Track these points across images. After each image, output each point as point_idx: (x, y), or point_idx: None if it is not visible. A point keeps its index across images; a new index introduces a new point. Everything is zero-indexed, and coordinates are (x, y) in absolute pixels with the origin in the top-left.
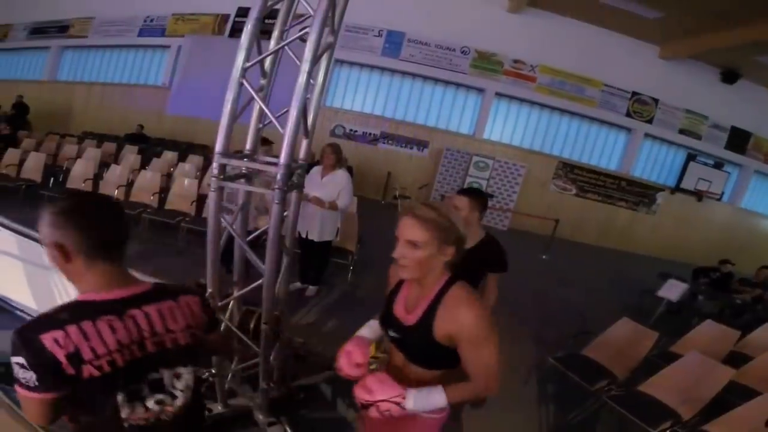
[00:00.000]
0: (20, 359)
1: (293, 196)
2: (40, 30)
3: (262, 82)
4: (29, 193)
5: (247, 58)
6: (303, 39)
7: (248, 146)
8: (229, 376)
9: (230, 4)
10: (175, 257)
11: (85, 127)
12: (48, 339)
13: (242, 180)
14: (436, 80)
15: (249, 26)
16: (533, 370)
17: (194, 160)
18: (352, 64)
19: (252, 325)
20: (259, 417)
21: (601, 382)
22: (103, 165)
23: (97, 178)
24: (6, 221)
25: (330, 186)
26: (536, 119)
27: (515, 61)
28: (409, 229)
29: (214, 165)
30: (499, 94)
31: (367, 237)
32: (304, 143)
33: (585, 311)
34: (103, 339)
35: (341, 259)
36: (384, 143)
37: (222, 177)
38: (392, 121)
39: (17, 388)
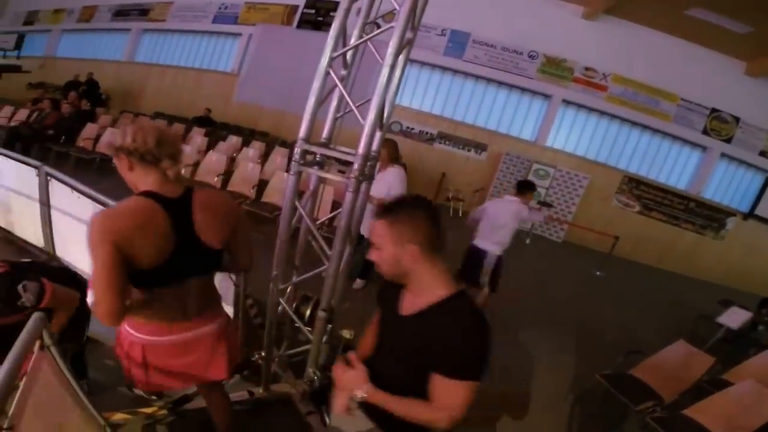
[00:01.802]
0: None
1: (363, 187)
2: (122, 12)
3: (343, 72)
4: (102, 166)
5: (334, 48)
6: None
7: (325, 135)
8: (276, 360)
9: None
10: None
11: (157, 107)
12: None
13: (315, 167)
14: (500, 83)
15: (339, 17)
16: (577, 385)
17: (257, 146)
18: (413, 61)
19: (308, 312)
20: (300, 405)
21: (647, 403)
22: None
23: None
24: (83, 188)
25: (382, 182)
26: (604, 130)
27: (587, 69)
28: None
29: (297, 150)
30: (566, 102)
31: None
32: (377, 136)
33: (637, 331)
34: None
35: None
36: (440, 143)
37: (302, 163)
38: (451, 121)
39: None
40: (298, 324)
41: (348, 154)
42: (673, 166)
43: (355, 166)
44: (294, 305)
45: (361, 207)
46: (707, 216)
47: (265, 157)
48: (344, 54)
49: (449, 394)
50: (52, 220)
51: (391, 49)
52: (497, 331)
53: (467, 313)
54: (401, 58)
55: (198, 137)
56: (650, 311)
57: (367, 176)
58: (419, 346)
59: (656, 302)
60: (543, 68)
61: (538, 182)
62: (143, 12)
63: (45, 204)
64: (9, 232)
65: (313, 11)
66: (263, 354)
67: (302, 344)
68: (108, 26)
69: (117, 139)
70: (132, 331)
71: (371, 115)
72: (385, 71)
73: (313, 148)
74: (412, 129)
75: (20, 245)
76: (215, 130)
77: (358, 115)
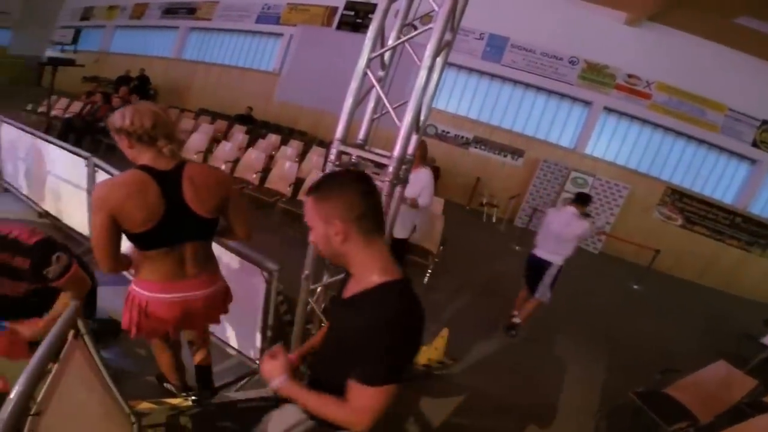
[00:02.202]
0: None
1: (397, 190)
2: (171, 10)
3: (381, 74)
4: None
5: (373, 49)
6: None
7: (361, 136)
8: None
9: None
10: (269, 234)
11: (201, 104)
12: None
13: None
14: (539, 88)
15: (377, 18)
16: (608, 400)
17: (295, 145)
18: (449, 65)
19: None
20: None
21: (680, 423)
22: (214, 141)
23: (208, 152)
24: None
25: (412, 183)
26: (646, 139)
27: (630, 76)
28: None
29: (333, 151)
30: (607, 109)
31: (450, 240)
32: (413, 139)
33: (674, 348)
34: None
35: (421, 259)
36: (476, 147)
37: (338, 164)
38: (487, 126)
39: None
40: (322, 319)
41: (383, 156)
42: (719, 179)
43: (390, 168)
44: (323, 306)
45: (395, 210)
46: (754, 232)
47: (302, 156)
48: (382, 55)
49: (360, 397)
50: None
51: (429, 51)
52: (530, 340)
53: (392, 306)
54: (439, 60)
55: (239, 135)
56: (689, 328)
57: (401, 179)
58: (341, 336)
59: (696, 319)
60: (584, 74)
61: (574, 191)
62: (191, 10)
63: (90, 194)
64: (57, 219)
65: (352, 13)
66: (291, 351)
67: None
68: (158, 24)
69: (117, 121)
70: (138, 289)
71: (408, 117)
72: (423, 73)
73: (349, 150)
74: (448, 132)
75: (67, 232)
76: (256, 128)
77: (394, 117)
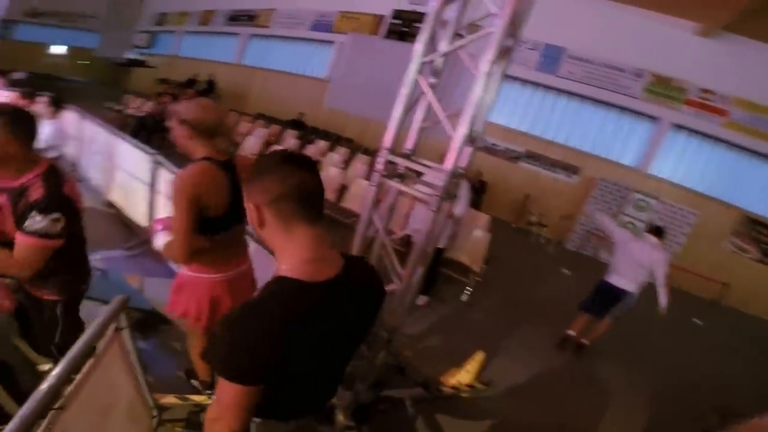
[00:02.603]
0: (56, 215)
1: (445, 206)
2: (234, 18)
3: (432, 81)
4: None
5: (425, 54)
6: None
7: (409, 146)
8: None
9: (387, 5)
10: None
11: (259, 108)
12: (64, 192)
13: (396, 179)
14: (598, 101)
15: (429, 20)
16: None
17: (341, 152)
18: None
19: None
20: (340, 418)
21: None
22: (268, 144)
23: (261, 155)
24: None
25: (463, 197)
26: (720, 160)
27: (703, 91)
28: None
29: (380, 160)
30: (676, 126)
31: (494, 259)
32: (467, 151)
33: (736, 390)
34: (74, 186)
35: (461, 276)
36: (526, 162)
37: (384, 174)
38: (540, 140)
39: (36, 240)
40: None
41: (433, 169)
42: None
43: (440, 182)
44: None
45: (441, 227)
46: None
47: (347, 163)
48: (433, 62)
49: (218, 388)
50: (155, 204)
51: (489, 56)
52: (573, 368)
53: (259, 299)
54: (498, 67)
55: (291, 139)
56: (757, 370)
57: (451, 194)
58: None
59: (765, 360)
60: (650, 88)
61: (635, 214)
62: (251, 18)
63: (153, 189)
64: (121, 210)
65: (399, 22)
66: None
67: (356, 358)
68: (222, 30)
69: (183, 112)
70: (199, 274)
71: (462, 128)
72: (481, 81)
73: (397, 160)
74: (497, 146)
75: (127, 223)
76: (306, 133)
77: (447, 127)
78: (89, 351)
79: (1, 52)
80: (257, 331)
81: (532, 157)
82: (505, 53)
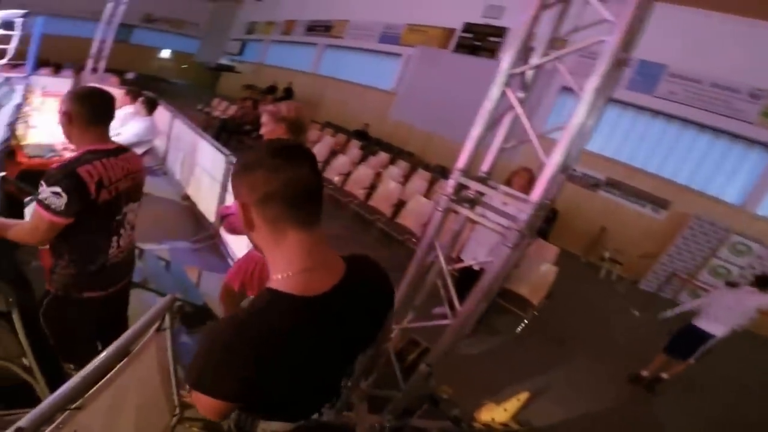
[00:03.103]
0: (57, 188)
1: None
2: (312, 28)
3: (521, 95)
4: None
5: (515, 64)
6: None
7: (485, 168)
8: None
9: (458, 18)
10: (364, 249)
11: (329, 117)
12: (82, 172)
13: (466, 204)
14: (702, 126)
15: (525, 24)
16: None
17: (402, 166)
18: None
19: (410, 359)
20: None
21: None
22: (333, 153)
23: (325, 163)
24: None
25: None
26: None
27: None
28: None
29: (450, 183)
30: None
31: (557, 295)
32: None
33: None
34: (114, 170)
35: (519, 309)
36: (607, 191)
37: (455, 198)
38: (625, 166)
39: (41, 211)
40: (396, 366)
41: (517, 198)
42: None
43: (523, 215)
44: (399, 346)
45: (516, 263)
46: None
47: (407, 178)
48: (523, 74)
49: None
50: (224, 202)
51: (599, 71)
52: (628, 413)
53: (246, 317)
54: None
55: (354, 150)
56: None
57: (533, 229)
58: None
59: None
60: None
61: (731, 258)
62: (327, 28)
63: (224, 188)
64: (194, 204)
65: (470, 35)
66: (348, 382)
67: (390, 383)
68: (301, 40)
69: (284, 111)
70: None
71: (557, 155)
72: (586, 100)
73: (471, 183)
74: (574, 171)
75: (198, 217)
76: (370, 144)
77: (539, 152)
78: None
79: (118, 54)
80: (239, 352)
81: (613, 185)
82: (617, 69)
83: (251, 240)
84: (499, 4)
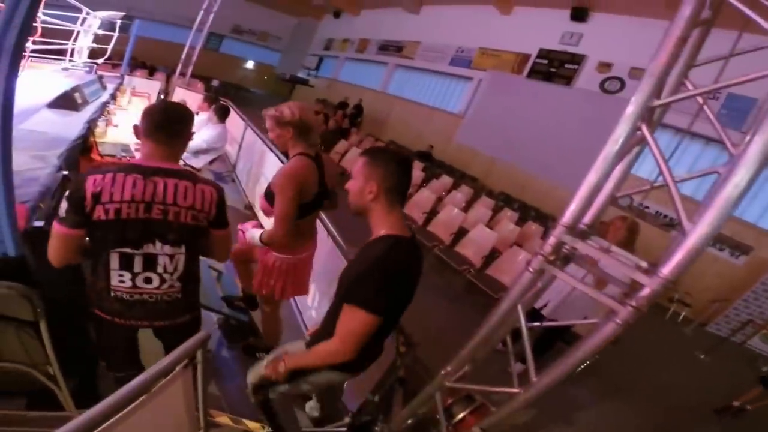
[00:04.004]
0: (67, 192)
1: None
2: (384, 47)
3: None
4: (341, 180)
5: (656, 93)
6: None
7: (586, 220)
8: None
9: (533, 44)
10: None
11: (393, 136)
12: (90, 179)
13: (560, 263)
14: None
15: (670, 42)
16: None
17: (465, 191)
18: (664, 126)
19: (461, 416)
20: None
21: None
22: None
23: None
24: None
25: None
26: None
27: None
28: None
29: (551, 241)
30: None
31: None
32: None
33: None
34: (123, 189)
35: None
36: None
37: (552, 258)
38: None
39: (54, 222)
40: (442, 423)
41: (639, 268)
42: None
43: (647, 290)
44: (449, 401)
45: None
46: None
47: (469, 204)
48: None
49: (342, 320)
50: None
51: None
52: None
53: (382, 249)
54: None
55: (416, 171)
56: None
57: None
58: (342, 279)
59: None
60: None
61: None
62: (399, 49)
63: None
64: (255, 214)
65: (545, 62)
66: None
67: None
68: (373, 58)
69: (287, 115)
70: (279, 255)
71: (706, 223)
72: (754, 153)
73: (579, 245)
74: (647, 208)
75: (251, 217)
76: (432, 166)
77: (680, 213)
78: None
79: (208, 61)
80: (389, 271)
81: None
82: None
83: (362, 205)
84: (577, 31)
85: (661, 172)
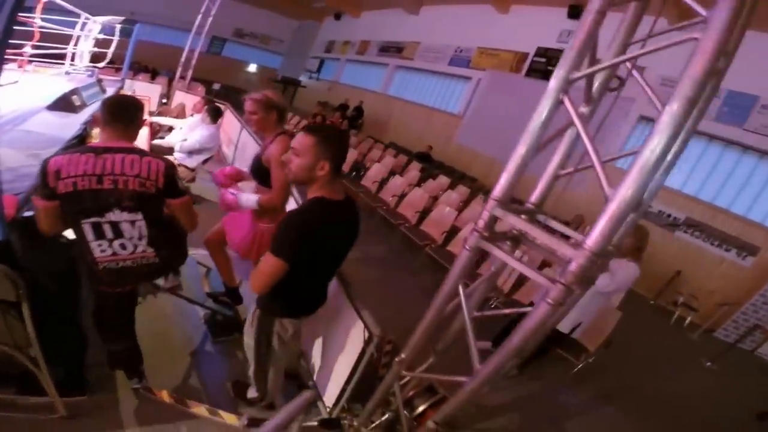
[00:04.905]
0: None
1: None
2: (385, 49)
3: (583, 110)
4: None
5: (575, 66)
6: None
7: (533, 198)
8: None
9: (531, 42)
10: (409, 275)
11: (394, 138)
12: (52, 160)
13: (508, 242)
14: None
15: (590, 13)
16: None
17: (461, 191)
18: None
19: (422, 408)
20: None
21: None
22: (392, 173)
23: (383, 182)
24: None
25: (614, 278)
26: None
27: None
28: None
29: (484, 215)
30: None
31: (619, 341)
32: (628, 220)
33: None
34: (77, 165)
35: (568, 353)
36: (686, 232)
37: (487, 234)
38: (709, 206)
39: (33, 197)
40: (403, 415)
41: (567, 240)
42: None
43: (574, 264)
44: (410, 393)
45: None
46: None
47: (465, 203)
48: (589, 82)
49: (262, 262)
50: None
51: (692, 71)
52: None
53: (306, 206)
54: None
55: (413, 171)
56: None
57: (587, 281)
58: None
59: None
60: None
61: None
62: (399, 50)
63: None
64: None
65: (543, 60)
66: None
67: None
68: (374, 60)
69: (275, 99)
70: (270, 224)
71: (627, 185)
72: (675, 106)
73: (511, 218)
74: (649, 208)
75: None
76: (431, 167)
77: (603, 181)
78: None
79: (210, 65)
80: (308, 224)
81: (694, 226)
82: (710, 77)
83: (305, 176)
84: (575, 29)
85: (586, 150)
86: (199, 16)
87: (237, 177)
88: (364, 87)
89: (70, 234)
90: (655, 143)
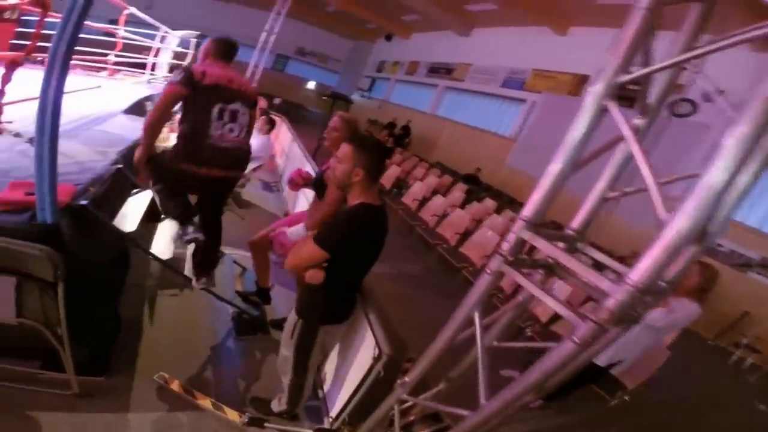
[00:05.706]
0: (180, 72)
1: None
2: (434, 70)
3: (637, 122)
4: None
5: (623, 68)
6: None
7: (575, 224)
8: None
9: (590, 64)
10: (442, 297)
11: (440, 158)
12: (195, 66)
13: (541, 271)
14: None
15: (636, 15)
16: None
17: (508, 216)
18: None
19: None
20: None
21: None
22: (435, 192)
23: (424, 201)
24: None
25: (675, 313)
26: None
27: None
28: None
29: (510, 236)
30: None
31: (664, 380)
32: (688, 254)
33: None
34: (216, 71)
35: (604, 391)
36: (759, 274)
37: (511, 259)
38: None
39: (167, 83)
40: None
41: (611, 279)
42: None
43: (611, 301)
44: (412, 418)
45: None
46: None
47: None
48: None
49: (303, 245)
50: None
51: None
52: None
53: (355, 209)
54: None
55: (457, 192)
56: None
57: (628, 321)
58: None
59: None
60: None
61: None
62: (449, 71)
63: None
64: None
65: None
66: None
67: None
68: (423, 81)
69: (358, 126)
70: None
71: (685, 212)
72: (743, 128)
73: (540, 242)
74: (720, 246)
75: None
76: (479, 189)
77: (657, 205)
78: None
79: (274, 81)
80: (357, 226)
81: None
82: None
83: (345, 182)
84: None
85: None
86: (264, 34)
87: (308, 179)
88: (413, 107)
89: (129, 225)
90: (720, 166)
